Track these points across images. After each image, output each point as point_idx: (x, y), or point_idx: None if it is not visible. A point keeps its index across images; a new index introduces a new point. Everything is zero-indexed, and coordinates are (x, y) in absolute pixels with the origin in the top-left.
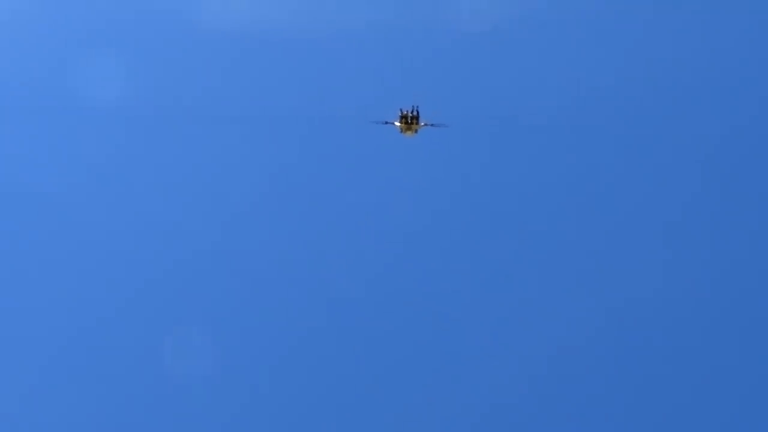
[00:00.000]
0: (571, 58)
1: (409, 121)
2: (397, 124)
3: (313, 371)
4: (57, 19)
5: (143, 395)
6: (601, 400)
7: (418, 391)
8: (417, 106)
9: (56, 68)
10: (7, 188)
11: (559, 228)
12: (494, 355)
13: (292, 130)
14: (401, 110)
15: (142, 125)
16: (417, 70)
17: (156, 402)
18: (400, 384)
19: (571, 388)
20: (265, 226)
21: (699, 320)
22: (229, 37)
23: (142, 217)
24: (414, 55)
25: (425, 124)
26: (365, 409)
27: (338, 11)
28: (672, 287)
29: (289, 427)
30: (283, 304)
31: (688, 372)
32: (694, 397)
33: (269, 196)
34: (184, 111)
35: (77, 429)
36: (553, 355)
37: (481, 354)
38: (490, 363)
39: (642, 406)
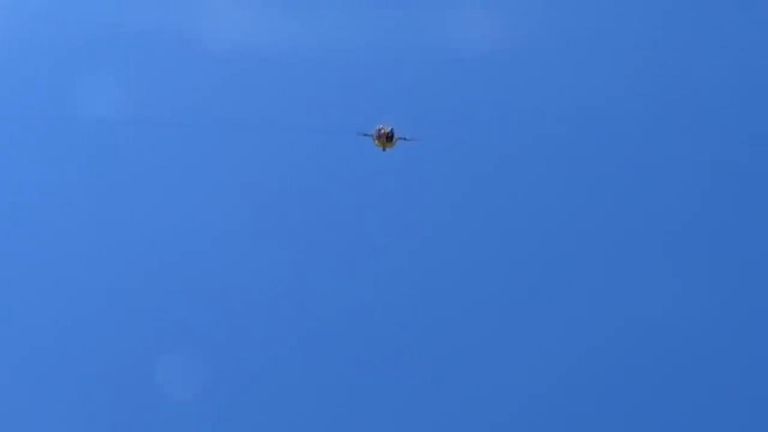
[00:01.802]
0: (564, 86)
1: (385, 136)
2: (374, 139)
3: (304, 387)
4: (52, 35)
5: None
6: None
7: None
8: (392, 127)
9: (50, 84)
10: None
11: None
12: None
13: (283, 144)
14: (379, 129)
15: (138, 141)
16: (407, 91)
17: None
18: (391, 412)
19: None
20: (261, 235)
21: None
22: (224, 55)
23: (137, 231)
24: (404, 77)
25: (399, 138)
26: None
27: (333, 32)
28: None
29: None
30: (277, 315)
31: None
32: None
33: (260, 209)
34: (176, 126)
35: None
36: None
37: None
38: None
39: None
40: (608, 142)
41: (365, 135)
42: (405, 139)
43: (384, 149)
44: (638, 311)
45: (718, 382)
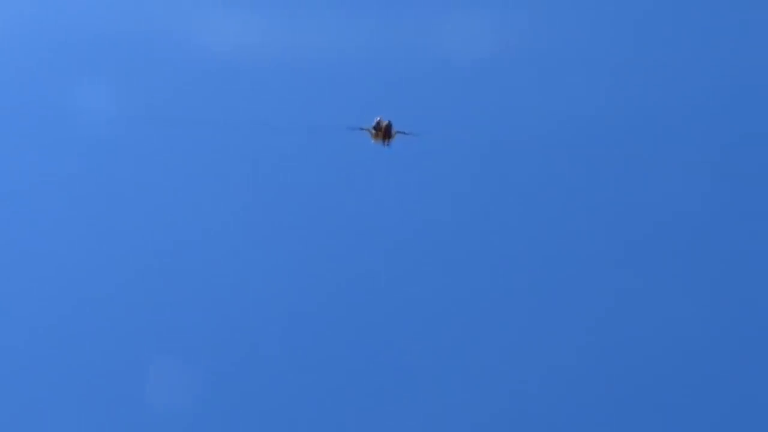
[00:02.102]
0: (560, 93)
1: (383, 130)
2: (372, 134)
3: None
4: (45, 42)
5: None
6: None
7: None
8: (389, 121)
9: (44, 92)
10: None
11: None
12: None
13: (281, 146)
14: (377, 122)
15: (132, 149)
16: (403, 96)
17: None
18: (391, 413)
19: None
20: (258, 237)
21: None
22: (219, 60)
23: (133, 234)
24: (400, 83)
25: (398, 132)
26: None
27: (327, 38)
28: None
29: None
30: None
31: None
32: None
33: (258, 211)
34: (172, 132)
35: None
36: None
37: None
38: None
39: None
40: (608, 142)
41: (362, 129)
42: (404, 133)
43: (384, 143)
44: (638, 312)
45: (718, 383)
